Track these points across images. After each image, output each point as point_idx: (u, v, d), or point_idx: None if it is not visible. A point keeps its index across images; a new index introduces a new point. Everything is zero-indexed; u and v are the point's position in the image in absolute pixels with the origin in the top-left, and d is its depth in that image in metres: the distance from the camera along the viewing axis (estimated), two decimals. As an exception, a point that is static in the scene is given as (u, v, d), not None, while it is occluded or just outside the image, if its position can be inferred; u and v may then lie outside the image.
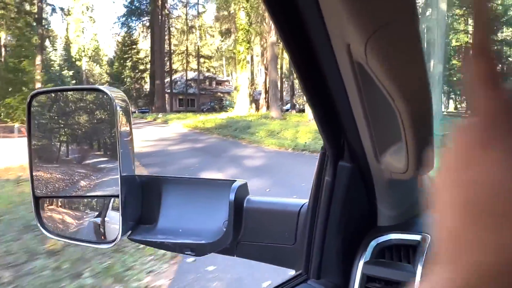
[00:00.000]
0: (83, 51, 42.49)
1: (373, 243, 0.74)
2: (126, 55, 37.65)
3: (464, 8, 28.59)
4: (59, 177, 0.91)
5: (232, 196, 0.81)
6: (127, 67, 37.68)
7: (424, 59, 0.46)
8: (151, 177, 0.91)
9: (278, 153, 11.75)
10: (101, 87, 0.85)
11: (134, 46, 38.21)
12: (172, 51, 40.81)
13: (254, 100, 29.75)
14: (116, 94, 0.81)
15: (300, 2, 0.50)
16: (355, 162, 0.71)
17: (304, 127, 14.85)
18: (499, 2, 29.42)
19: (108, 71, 42.84)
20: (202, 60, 41.77)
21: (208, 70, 43.39)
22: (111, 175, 0.84)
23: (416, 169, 0.57)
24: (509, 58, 32.48)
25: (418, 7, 0.47)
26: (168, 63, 38.18)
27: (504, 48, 31.45)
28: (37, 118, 0.92)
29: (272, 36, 23.11)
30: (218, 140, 15.49)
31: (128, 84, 37.35)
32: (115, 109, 0.80)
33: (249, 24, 26.00)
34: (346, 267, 0.74)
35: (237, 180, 0.85)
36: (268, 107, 30.94)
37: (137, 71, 37.65)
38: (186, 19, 41.09)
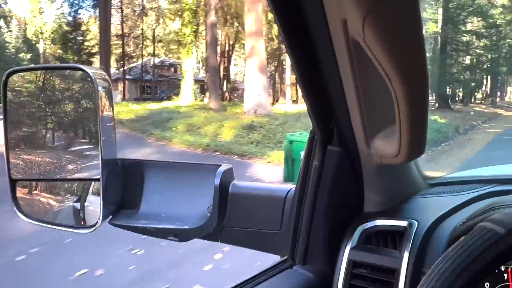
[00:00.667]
0: (41, 32, 39.03)
1: (359, 229, 0.73)
2: (71, 37, 34.62)
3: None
4: (44, 161, 0.88)
5: (217, 181, 0.80)
6: (70, 50, 34.69)
7: (423, 39, 0.45)
8: (133, 160, 0.89)
9: (181, 155, 9.69)
10: (82, 66, 0.81)
11: (80, 27, 35.13)
12: (126, 34, 37.89)
13: (204, 89, 27.37)
14: (98, 74, 0.79)
15: None
16: (344, 147, 0.70)
17: (232, 122, 12.77)
18: (467, -9, 27.15)
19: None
20: (160, 44, 39.09)
21: (167, 55, 40.66)
22: (94, 159, 0.80)
23: (408, 153, 0.57)
24: (476, 50, 30.64)
25: None
26: (122, 47, 35.28)
27: (473, 38, 29.53)
28: (21, 104, 0.90)
29: (212, 16, 20.69)
30: (122, 136, 13.04)
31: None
32: (96, 89, 0.77)
33: (196, 4, 23.56)
34: (332, 252, 0.73)
35: (223, 164, 0.84)
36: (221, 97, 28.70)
37: (82, 54, 34.72)
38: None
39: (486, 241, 0.45)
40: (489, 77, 37.96)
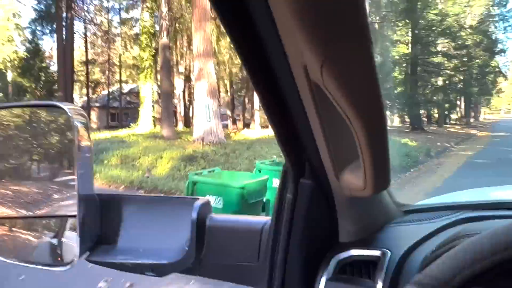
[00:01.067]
0: (9, 61, 37.24)
1: (334, 260, 0.74)
2: (30, 64, 33.03)
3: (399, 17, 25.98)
4: (31, 191, 0.88)
5: (194, 214, 0.80)
6: (28, 78, 33.01)
7: (377, 80, 0.48)
8: (111, 196, 0.89)
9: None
10: (58, 103, 0.83)
11: (39, 54, 33.59)
12: (92, 61, 36.51)
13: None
14: (73, 109, 0.80)
15: (258, 22, 0.51)
16: (316, 180, 0.71)
17: (174, 152, 11.27)
18: (434, 12, 26.80)
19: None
20: (129, 70, 37.76)
21: (134, 81, 39.31)
22: (70, 194, 0.81)
23: (373, 186, 0.59)
24: (446, 71, 29.99)
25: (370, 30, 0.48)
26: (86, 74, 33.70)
27: (442, 59, 28.94)
28: (9, 137, 0.92)
29: (164, 38, 19.45)
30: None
31: (28, 96, 32.73)
32: (73, 124, 0.78)
33: (154, 27, 22.37)
34: (309, 284, 0.74)
35: (200, 198, 0.85)
36: (185, 123, 27.10)
37: (41, 82, 33.07)
38: (109, 25, 36.87)
39: None
40: (462, 98, 37.56)
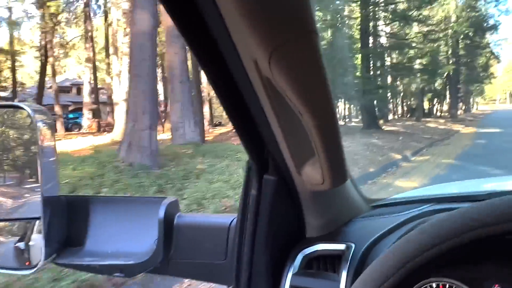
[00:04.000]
0: None
1: (300, 255, 0.75)
2: None
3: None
4: None
5: (161, 214, 0.80)
6: None
7: (326, 75, 0.48)
8: (77, 197, 0.89)
9: None
10: (19, 104, 0.81)
11: None
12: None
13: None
14: (36, 109, 0.79)
15: (207, 18, 0.51)
16: (280, 175, 0.71)
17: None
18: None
19: None
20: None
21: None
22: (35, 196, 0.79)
23: (331, 181, 0.60)
24: (417, 48, 23.60)
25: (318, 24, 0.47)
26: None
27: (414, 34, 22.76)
28: None
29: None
30: None
31: None
32: (35, 124, 0.77)
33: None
34: (275, 280, 0.74)
35: (168, 197, 0.84)
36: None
37: None
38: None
39: None
40: (448, 86, 31.64)
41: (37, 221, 0.79)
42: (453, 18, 26.97)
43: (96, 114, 23.04)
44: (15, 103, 0.84)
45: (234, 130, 0.67)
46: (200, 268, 0.83)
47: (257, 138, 0.67)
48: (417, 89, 26.73)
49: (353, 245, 0.72)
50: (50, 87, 24.61)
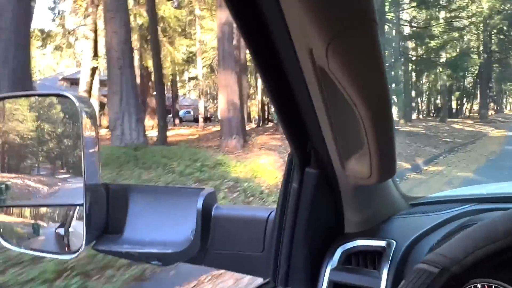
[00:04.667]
0: None
1: (340, 250, 0.74)
2: None
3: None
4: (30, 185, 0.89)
5: (199, 204, 0.80)
6: None
7: (383, 65, 0.47)
8: (118, 185, 0.89)
9: None
10: (64, 93, 0.83)
11: None
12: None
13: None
14: (81, 99, 0.80)
15: (264, 6, 0.50)
16: (322, 168, 0.71)
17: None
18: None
19: None
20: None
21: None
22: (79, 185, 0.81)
23: (379, 174, 0.59)
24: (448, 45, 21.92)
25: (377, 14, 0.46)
26: None
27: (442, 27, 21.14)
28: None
29: None
30: None
31: None
32: (80, 114, 0.78)
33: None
34: (314, 274, 0.74)
35: (205, 188, 0.85)
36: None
37: None
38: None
39: (422, 284, 0.46)
40: (479, 85, 29.24)
41: (78, 208, 0.81)
42: (486, 10, 24.66)
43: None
44: (61, 92, 0.85)
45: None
46: (237, 260, 0.82)
47: (300, 130, 0.66)
48: (443, 86, 24.59)
49: (394, 243, 0.71)
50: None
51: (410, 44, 22.06)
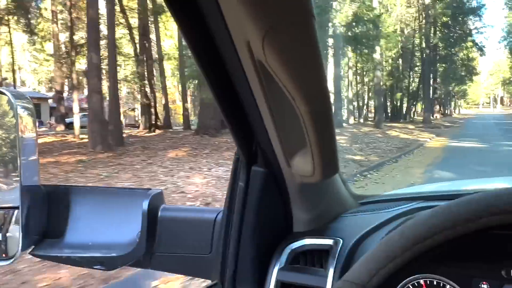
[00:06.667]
0: None
1: (287, 249, 0.74)
2: None
3: None
4: None
5: (145, 205, 0.77)
6: None
7: (321, 61, 0.47)
8: (58, 186, 0.85)
9: None
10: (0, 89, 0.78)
11: None
12: None
13: None
14: (17, 95, 0.77)
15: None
16: (268, 167, 0.70)
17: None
18: None
19: None
20: None
21: None
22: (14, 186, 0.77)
23: (321, 172, 0.59)
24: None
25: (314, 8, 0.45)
26: None
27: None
28: None
29: None
30: None
31: None
32: (15, 111, 0.75)
33: None
34: (261, 274, 0.73)
35: (152, 188, 0.82)
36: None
37: None
38: None
39: None
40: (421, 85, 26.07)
41: (15, 211, 0.76)
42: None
43: None
44: None
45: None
46: (184, 262, 0.80)
47: (246, 128, 0.65)
48: (377, 86, 20.99)
49: (341, 241, 0.71)
50: None
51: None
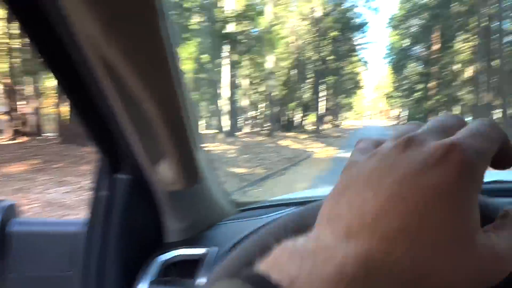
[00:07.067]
0: None
1: (157, 261, 0.70)
2: None
3: None
4: None
5: None
6: None
7: (174, 61, 0.45)
8: None
9: None
10: None
11: None
12: None
13: None
14: None
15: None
16: (134, 174, 0.66)
17: None
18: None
19: None
20: None
21: None
22: None
23: (182, 179, 0.57)
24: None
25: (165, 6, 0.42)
26: None
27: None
28: None
29: None
30: None
31: None
32: None
33: None
34: None
35: (3, 200, 0.74)
36: None
37: None
38: None
39: None
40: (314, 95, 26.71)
41: None
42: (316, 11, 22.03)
43: None
44: None
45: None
46: (42, 283, 0.73)
47: (104, 131, 0.60)
48: (267, 95, 20.82)
49: (216, 249, 0.70)
50: None
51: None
